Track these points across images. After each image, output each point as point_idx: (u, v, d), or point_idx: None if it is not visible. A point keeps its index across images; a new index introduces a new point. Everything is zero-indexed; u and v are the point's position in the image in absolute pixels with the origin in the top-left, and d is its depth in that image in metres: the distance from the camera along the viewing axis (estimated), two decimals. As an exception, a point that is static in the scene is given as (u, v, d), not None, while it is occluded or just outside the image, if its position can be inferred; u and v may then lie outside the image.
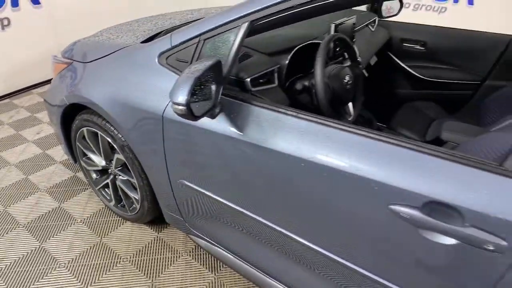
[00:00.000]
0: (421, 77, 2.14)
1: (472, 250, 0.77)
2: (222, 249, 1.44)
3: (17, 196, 1.99)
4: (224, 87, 1.10)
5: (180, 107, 0.89)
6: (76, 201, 1.97)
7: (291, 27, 1.52)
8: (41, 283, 1.52)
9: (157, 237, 1.77)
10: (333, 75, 1.31)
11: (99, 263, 1.62)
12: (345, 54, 1.55)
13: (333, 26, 1.54)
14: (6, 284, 1.51)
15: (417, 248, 0.85)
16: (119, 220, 1.86)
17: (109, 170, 1.76)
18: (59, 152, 2.36)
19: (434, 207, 0.80)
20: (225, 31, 1.12)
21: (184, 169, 1.30)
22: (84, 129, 1.68)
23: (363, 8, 2.26)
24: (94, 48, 1.64)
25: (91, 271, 1.58)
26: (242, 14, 1.08)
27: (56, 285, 1.52)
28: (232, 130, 1.08)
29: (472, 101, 2.05)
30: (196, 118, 0.95)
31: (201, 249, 1.69)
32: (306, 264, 1.15)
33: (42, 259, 1.63)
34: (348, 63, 1.51)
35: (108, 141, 1.59)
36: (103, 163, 1.75)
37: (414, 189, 0.81)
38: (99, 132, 1.60)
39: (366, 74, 2.01)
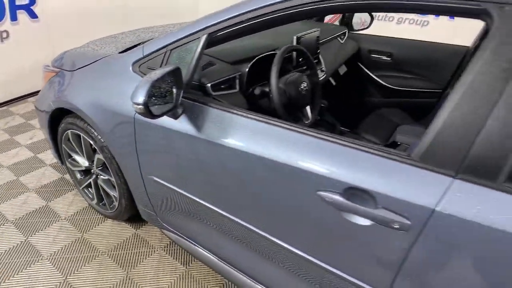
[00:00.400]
0: (388, 86, 2.28)
1: (383, 229, 0.89)
2: (191, 243, 1.56)
3: (7, 195, 2.11)
4: (186, 91, 1.24)
5: (139, 107, 1.03)
6: (62, 200, 2.10)
7: (257, 38, 1.67)
8: (25, 273, 1.63)
9: (135, 233, 1.89)
10: (290, 82, 1.45)
11: (79, 256, 1.74)
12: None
13: (295, 38, 1.69)
14: (-9, 274, 1.62)
15: (340, 228, 0.97)
16: (100, 217, 1.99)
17: (92, 170, 1.89)
18: (50, 155, 2.49)
19: (352, 192, 0.92)
20: (187, 42, 1.26)
21: (154, 166, 1.43)
22: (69, 131, 1.82)
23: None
24: (79, 57, 1.79)
25: (71, 263, 1.70)
26: (201, 28, 1.23)
27: (38, 275, 1.63)
28: (193, 130, 1.22)
29: (436, 108, 2.19)
30: (154, 116, 1.09)
31: (175, 245, 1.81)
32: (264, 253, 1.26)
33: (27, 251, 1.75)
34: (308, 72, 1.66)
35: (89, 142, 1.72)
36: (86, 163, 1.88)
37: (336, 177, 0.94)
38: (82, 134, 1.74)
39: (334, 83, 2.16)
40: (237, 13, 1.15)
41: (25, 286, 1.57)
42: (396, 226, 0.87)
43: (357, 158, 0.93)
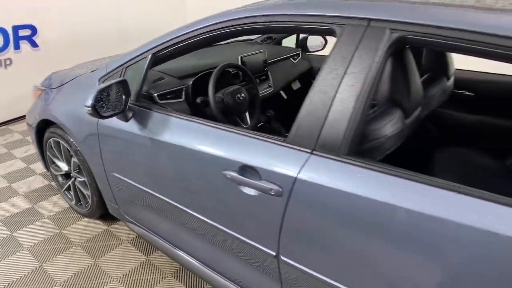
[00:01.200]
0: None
1: (266, 197, 1.15)
2: (149, 232, 1.80)
3: (-1, 199, 2.41)
4: (138, 100, 1.54)
5: (88, 108, 1.33)
6: (46, 203, 2.38)
7: (205, 58, 1.99)
8: (7, 261, 1.89)
9: (107, 229, 2.15)
10: (228, 93, 1.75)
11: (56, 247, 2.00)
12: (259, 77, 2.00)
13: (239, 58, 2.01)
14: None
15: (238, 199, 1.23)
16: (78, 217, 2.25)
17: (71, 174, 2.18)
18: (40, 166, 2.79)
19: (244, 169, 1.19)
20: (138, 61, 1.58)
21: (114, 163, 1.71)
22: (51, 140, 2.13)
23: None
24: (62, 77, 2.13)
25: (49, 253, 1.95)
26: (147, 49, 1.55)
27: (19, 263, 1.88)
28: (140, 130, 1.50)
29: None
30: (102, 117, 1.39)
31: (140, 238, 2.05)
32: (195, 230, 1.51)
33: (11, 244, 2.01)
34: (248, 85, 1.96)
35: (67, 148, 2.02)
36: (66, 168, 2.17)
37: (233, 158, 1.21)
38: (61, 141, 2.04)
39: (285, 96, 2.45)
40: (173, 36, 1.47)
41: (5, 271, 1.83)
42: (273, 193, 1.12)
43: (248, 144, 1.20)
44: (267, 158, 1.15)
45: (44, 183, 2.61)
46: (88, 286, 1.75)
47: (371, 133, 1.20)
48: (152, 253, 1.97)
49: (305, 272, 1.14)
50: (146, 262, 1.91)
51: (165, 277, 1.82)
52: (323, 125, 1.06)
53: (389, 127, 1.21)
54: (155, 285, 1.77)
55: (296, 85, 2.55)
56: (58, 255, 1.95)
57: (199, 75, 1.80)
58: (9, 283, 1.76)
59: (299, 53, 2.63)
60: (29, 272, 1.83)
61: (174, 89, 1.72)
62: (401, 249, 0.93)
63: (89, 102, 1.33)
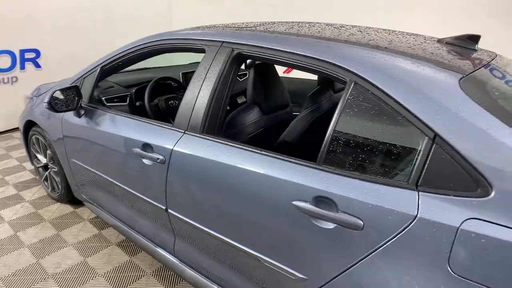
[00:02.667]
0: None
1: (156, 165, 1.61)
2: (102, 210, 2.26)
3: (-8, 187, 2.93)
4: (90, 102, 2.05)
5: (45, 104, 1.85)
6: (29, 191, 2.89)
7: (150, 73, 2.52)
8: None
9: (73, 211, 2.63)
10: (163, 99, 2.26)
11: (30, 222, 2.48)
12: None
13: (181, 74, 2.53)
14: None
15: (141, 169, 1.69)
16: (53, 202, 2.74)
17: (48, 166, 2.69)
18: (30, 164, 3.33)
19: (145, 145, 1.66)
20: (91, 73, 2.11)
21: (73, 151, 2.21)
22: (33, 137, 2.66)
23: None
24: (45, 88, 2.68)
25: (24, 226, 2.43)
26: (97, 64, 2.08)
27: (18, 260, 2.37)
28: (89, 124, 2.01)
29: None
30: (56, 111, 1.90)
31: (98, 218, 2.51)
32: (139, 209, 1.96)
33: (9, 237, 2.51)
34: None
35: (44, 142, 2.55)
36: (44, 160, 2.69)
37: (140, 139, 1.68)
38: (39, 137, 2.57)
39: (228, 107, 2.94)
40: (113, 55, 2.00)
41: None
42: (159, 161, 1.59)
43: (151, 129, 1.68)
44: (159, 137, 1.63)
45: (31, 177, 3.14)
46: (49, 248, 2.21)
47: (235, 121, 1.67)
48: (107, 228, 2.43)
49: (184, 220, 1.58)
50: (98, 235, 2.37)
51: (109, 246, 2.27)
52: (191, 114, 1.54)
53: (248, 118, 1.68)
54: (102, 249, 2.22)
55: (241, 99, 3.05)
56: (30, 227, 2.43)
57: (140, 85, 2.32)
58: (-12, 245, 2.24)
59: (246, 73, 3.15)
60: (5, 237, 2.31)
61: (120, 95, 2.24)
62: (237, 194, 1.37)
63: (46, 99, 1.85)
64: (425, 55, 1.23)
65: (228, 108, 2.82)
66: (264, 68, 1.78)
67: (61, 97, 1.93)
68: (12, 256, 2.16)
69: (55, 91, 1.88)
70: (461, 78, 1.06)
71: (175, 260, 1.78)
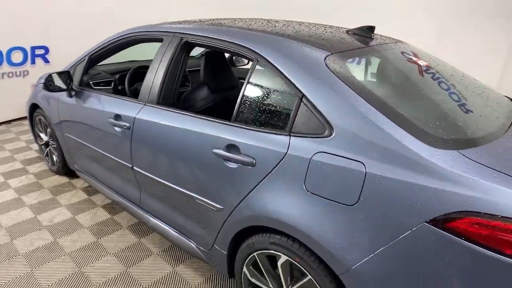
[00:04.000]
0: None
1: (124, 131, 2.03)
2: (90, 177, 2.69)
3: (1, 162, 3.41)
4: (81, 85, 2.49)
5: (41, 84, 2.29)
6: (34, 165, 3.35)
7: (137, 64, 2.94)
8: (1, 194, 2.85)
9: (68, 181, 3.07)
10: (141, 84, 2.66)
11: (31, 189, 2.93)
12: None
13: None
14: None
15: (114, 135, 2.10)
16: (52, 174, 3.19)
17: (49, 143, 3.15)
18: (35, 144, 3.80)
19: (117, 116, 2.08)
20: (81, 62, 2.55)
21: (66, 126, 2.65)
22: (37, 117, 3.13)
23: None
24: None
25: (27, 191, 2.89)
26: (86, 54, 2.52)
27: (5, 195, 2.83)
28: (79, 103, 2.44)
29: None
30: (50, 91, 2.35)
31: (90, 187, 2.95)
32: (113, 170, 2.39)
33: (4, 185, 2.97)
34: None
35: (44, 122, 3.00)
36: (46, 138, 3.15)
37: (113, 111, 2.10)
38: (41, 118, 3.03)
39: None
40: (98, 45, 2.43)
41: (-5, 198, 2.77)
42: (125, 128, 2.00)
43: (124, 104, 2.10)
44: (126, 109, 2.05)
45: (36, 155, 3.61)
46: (45, 208, 2.66)
47: (189, 97, 2.08)
48: (96, 194, 2.86)
49: (145, 175, 1.99)
50: (87, 200, 2.80)
51: (95, 207, 2.70)
52: (150, 90, 1.95)
53: (198, 95, 2.09)
54: (89, 209, 2.65)
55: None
56: (31, 193, 2.88)
57: (123, 73, 2.75)
58: (-4, 204, 2.70)
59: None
60: (10, 199, 2.77)
61: (106, 80, 2.67)
62: (178, 148, 1.77)
63: (42, 81, 2.30)
64: (314, 39, 1.61)
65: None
66: (213, 55, 2.18)
67: (56, 79, 2.37)
68: (15, 212, 2.62)
69: (50, 74, 2.33)
70: (327, 56, 1.44)
71: (142, 212, 2.19)
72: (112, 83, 2.70)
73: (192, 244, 1.88)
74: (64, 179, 3.12)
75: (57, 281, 1.98)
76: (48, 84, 2.32)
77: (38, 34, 4.60)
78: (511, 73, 4.14)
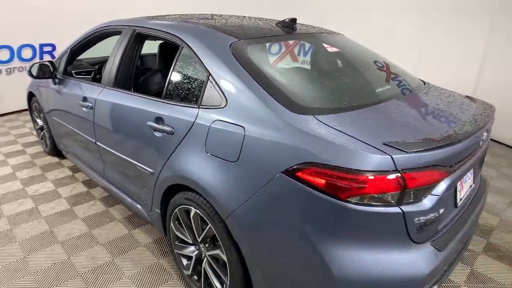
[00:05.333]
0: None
1: (87, 110, 2.36)
2: (71, 155, 3.06)
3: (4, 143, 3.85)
4: (64, 74, 2.86)
5: (27, 72, 2.67)
6: (32, 148, 3.77)
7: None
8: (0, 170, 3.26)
9: (58, 161, 3.46)
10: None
11: (27, 166, 3.33)
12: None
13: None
14: (-19, 168, 3.27)
15: (83, 113, 2.44)
16: (45, 155, 3.59)
17: (44, 127, 3.54)
18: (23, 140, 4.23)
19: (84, 98, 2.42)
20: (65, 54, 2.92)
21: (53, 110, 3.03)
22: (33, 104, 3.54)
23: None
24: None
25: (21, 168, 3.29)
26: (68, 47, 2.89)
27: (4, 171, 3.24)
28: (61, 89, 2.81)
29: None
30: (34, 78, 2.72)
31: (75, 168, 3.32)
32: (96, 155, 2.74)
33: (3, 162, 3.39)
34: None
35: (39, 108, 3.40)
36: (41, 123, 3.55)
37: (81, 94, 2.44)
38: (36, 104, 3.44)
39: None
40: (77, 39, 2.79)
41: (-6, 173, 3.19)
42: (89, 107, 2.34)
43: (93, 88, 2.43)
44: (91, 92, 2.39)
45: (35, 139, 4.04)
46: (34, 181, 3.04)
47: (145, 81, 2.39)
48: (80, 172, 3.23)
49: (104, 148, 2.32)
50: (71, 176, 3.17)
51: (77, 183, 3.06)
52: (109, 75, 2.28)
53: (153, 80, 2.40)
54: (71, 183, 3.02)
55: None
56: (25, 169, 3.28)
57: (102, 64, 3.10)
58: (-7, 177, 3.11)
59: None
60: (6, 174, 3.17)
61: (87, 70, 3.03)
62: (125, 122, 2.09)
63: (29, 69, 2.68)
64: (232, 29, 1.87)
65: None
66: (166, 46, 2.48)
67: (39, 68, 2.75)
68: (8, 184, 3.02)
69: (35, 64, 2.70)
70: (233, 42, 1.71)
71: (105, 182, 2.51)
72: (92, 72, 3.05)
73: (140, 207, 2.18)
74: (55, 159, 3.51)
75: (31, 237, 2.33)
76: (33, 72, 2.70)
77: (46, 33, 5.07)
78: (489, 66, 4.26)
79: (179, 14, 2.45)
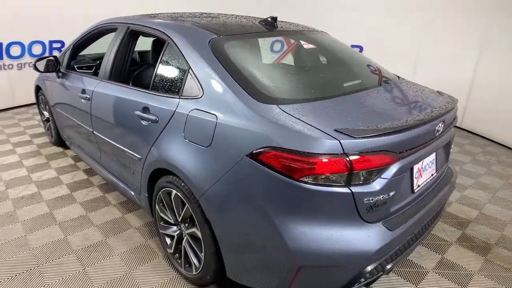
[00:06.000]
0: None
1: (86, 101, 2.54)
2: (73, 145, 3.25)
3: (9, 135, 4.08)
4: (68, 68, 3.05)
5: (32, 66, 2.86)
6: (39, 138, 3.99)
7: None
8: (3, 152, 3.48)
9: (62, 151, 3.66)
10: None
11: (33, 155, 3.54)
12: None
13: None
14: (-9, 156, 3.50)
15: (82, 104, 2.62)
16: (51, 145, 3.80)
17: (49, 119, 3.75)
18: (31, 131, 4.45)
19: (83, 91, 2.60)
20: (68, 50, 3.11)
21: (56, 102, 3.23)
22: (40, 97, 3.75)
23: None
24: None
25: (28, 156, 3.50)
26: (71, 43, 3.08)
27: (8, 156, 3.46)
28: (63, 82, 3.01)
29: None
30: (39, 71, 2.92)
31: (77, 158, 3.52)
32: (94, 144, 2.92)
33: (8, 146, 3.61)
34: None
35: (45, 100, 3.61)
36: (47, 115, 3.76)
37: (82, 86, 2.62)
38: (42, 97, 3.65)
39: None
40: (79, 35, 2.98)
41: None
42: (87, 99, 2.51)
43: (93, 81, 2.61)
44: (89, 85, 2.56)
45: (42, 130, 4.26)
46: (39, 169, 3.25)
47: (139, 75, 2.56)
48: (81, 161, 3.43)
49: (100, 137, 2.49)
50: (73, 165, 3.37)
51: (78, 170, 3.26)
52: (105, 69, 2.45)
53: (146, 74, 2.55)
54: (72, 171, 3.21)
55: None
56: (31, 158, 3.49)
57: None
58: None
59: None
60: (13, 162, 3.39)
61: (88, 65, 3.22)
62: (118, 112, 2.26)
63: (34, 64, 2.88)
64: (214, 26, 2.02)
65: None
66: (159, 43, 2.63)
67: (46, 63, 2.95)
68: (14, 170, 3.23)
69: (39, 59, 2.90)
70: (212, 38, 1.85)
71: (102, 169, 2.69)
72: (94, 67, 3.24)
73: (131, 192, 2.35)
74: (59, 149, 3.72)
75: (32, 217, 2.52)
76: (38, 66, 2.90)
77: (55, 30, 5.30)
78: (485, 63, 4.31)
79: (172, 13, 2.60)
